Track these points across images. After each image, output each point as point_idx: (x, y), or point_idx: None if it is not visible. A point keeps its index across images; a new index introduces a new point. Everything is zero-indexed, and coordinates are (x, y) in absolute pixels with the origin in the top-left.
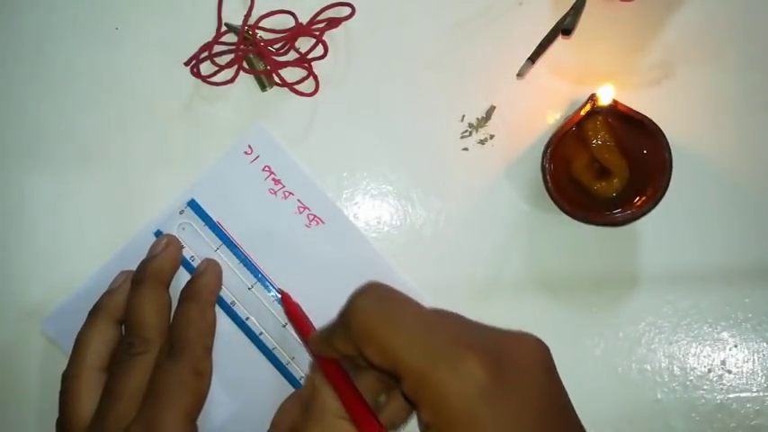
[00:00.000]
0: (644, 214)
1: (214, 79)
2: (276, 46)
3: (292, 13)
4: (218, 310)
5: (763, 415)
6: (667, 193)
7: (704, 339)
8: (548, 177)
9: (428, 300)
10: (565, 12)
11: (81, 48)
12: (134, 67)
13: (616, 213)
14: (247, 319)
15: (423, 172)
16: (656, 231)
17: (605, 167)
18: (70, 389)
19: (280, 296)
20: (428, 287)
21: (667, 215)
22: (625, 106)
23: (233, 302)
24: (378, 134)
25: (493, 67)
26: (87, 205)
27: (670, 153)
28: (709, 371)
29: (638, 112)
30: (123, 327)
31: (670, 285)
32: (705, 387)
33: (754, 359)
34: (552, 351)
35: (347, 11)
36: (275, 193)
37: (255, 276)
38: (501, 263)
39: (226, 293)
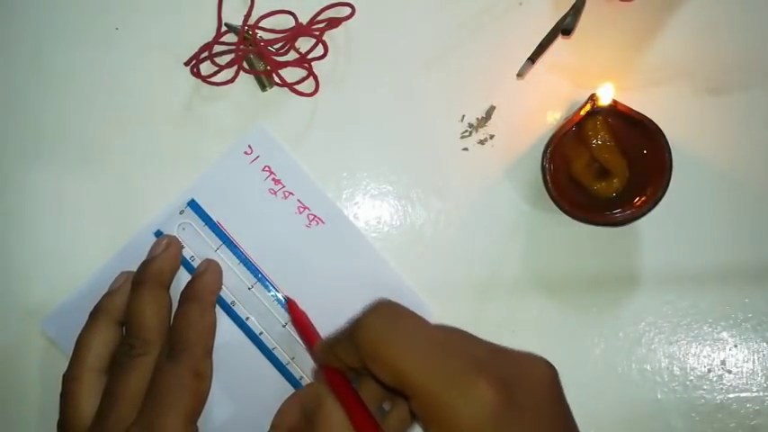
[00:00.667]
0: (644, 214)
1: (214, 79)
2: (276, 46)
3: (292, 13)
4: (218, 310)
5: (763, 415)
6: (667, 193)
7: (704, 339)
8: (548, 177)
9: (428, 299)
10: (565, 12)
11: (81, 48)
12: (134, 67)
13: (616, 213)
14: (247, 319)
15: (423, 172)
16: (656, 231)
17: (605, 167)
18: (71, 390)
19: (281, 297)
20: (428, 287)
21: (667, 215)
22: (625, 106)
23: (233, 302)
24: (378, 134)
25: (493, 67)
26: (87, 205)
27: (670, 153)
28: (709, 371)
29: (638, 112)
30: (124, 328)
31: (670, 285)
32: (705, 387)
33: (753, 359)
34: (552, 351)
35: (347, 11)
36: (275, 193)
37: (255, 276)
38: (501, 263)
39: (226, 293)
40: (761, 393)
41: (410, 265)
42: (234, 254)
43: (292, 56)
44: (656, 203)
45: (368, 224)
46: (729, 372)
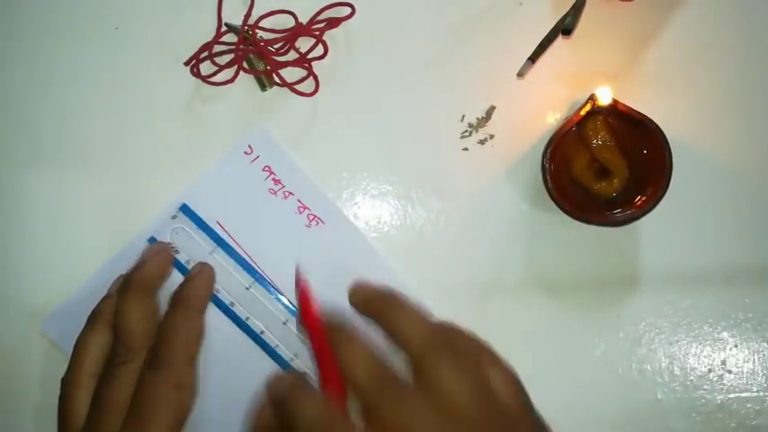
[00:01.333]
0: (644, 214)
1: (214, 79)
2: (276, 46)
3: (292, 13)
4: (217, 312)
5: (764, 415)
6: (667, 193)
7: (704, 339)
8: (548, 177)
9: (428, 299)
10: (565, 12)
11: (81, 48)
12: (134, 67)
13: (616, 213)
14: (248, 318)
15: (423, 172)
16: (656, 231)
17: (605, 167)
18: (68, 394)
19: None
20: (428, 287)
21: (667, 215)
22: (625, 106)
23: (232, 303)
24: (378, 134)
25: (493, 67)
26: (87, 205)
27: (670, 153)
28: (710, 371)
29: (638, 112)
30: None
31: (670, 285)
32: (705, 387)
33: (754, 359)
34: (552, 351)
35: (347, 11)
36: (275, 193)
37: (253, 276)
38: (501, 263)
39: (224, 295)
40: (761, 393)
41: (410, 265)
42: (229, 255)
43: (292, 56)
44: (656, 203)
45: (368, 224)
46: (730, 372)
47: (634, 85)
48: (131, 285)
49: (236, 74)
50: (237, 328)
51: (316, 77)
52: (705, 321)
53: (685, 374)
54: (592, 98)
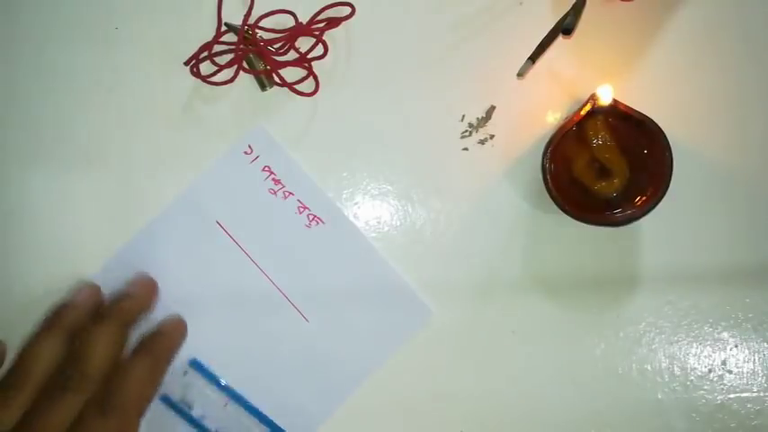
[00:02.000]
0: (644, 214)
1: (214, 79)
2: (276, 46)
3: (292, 13)
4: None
5: (764, 415)
6: (667, 193)
7: (705, 339)
8: (548, 177)
9: (428, 299)
10: (565, 12)
11: (81, 48)
12: (134, 67)
13: (616, 213)
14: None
15: (423, 172)
16: (656, 231)
17: (605, 167)
18: (4, 397)
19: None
20: (428, 287)
21: (667, 215)
22: (625, 106)
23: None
24: (378, 134)
25: (493, 67)
26: (88, 204)
27: (670, 153)
28: (710, 371)
29: (638, 112)
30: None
31: (670, 285)
32: (706, 387)
33: (754, 359)
34: (552, 351)
35: (347, 11)
36: (275, 193)
37: (272, 430)
38: (501, 263)
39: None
40: (762, 393)
41: (410, 265)
42: (244, 408)
43: (292, 55)
44: (656, 203)
45: (368, 224)
46: (730, 372)
47: (634, 85)
48: (110, 315)
49: (236, 74)
50: None
51: (316, 77)
52: (705, 321)
53: (685, 374)
54: (592, 98)
